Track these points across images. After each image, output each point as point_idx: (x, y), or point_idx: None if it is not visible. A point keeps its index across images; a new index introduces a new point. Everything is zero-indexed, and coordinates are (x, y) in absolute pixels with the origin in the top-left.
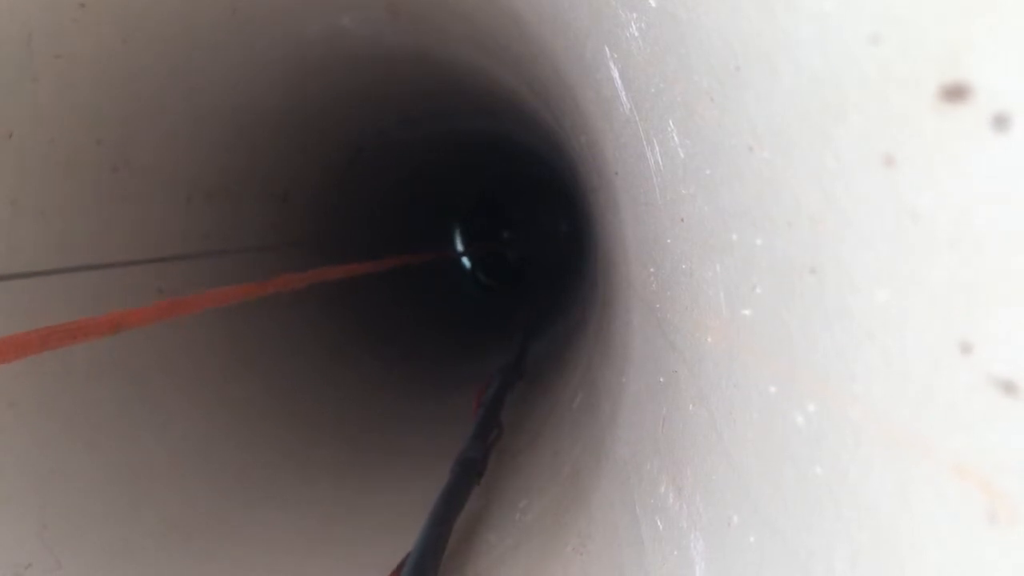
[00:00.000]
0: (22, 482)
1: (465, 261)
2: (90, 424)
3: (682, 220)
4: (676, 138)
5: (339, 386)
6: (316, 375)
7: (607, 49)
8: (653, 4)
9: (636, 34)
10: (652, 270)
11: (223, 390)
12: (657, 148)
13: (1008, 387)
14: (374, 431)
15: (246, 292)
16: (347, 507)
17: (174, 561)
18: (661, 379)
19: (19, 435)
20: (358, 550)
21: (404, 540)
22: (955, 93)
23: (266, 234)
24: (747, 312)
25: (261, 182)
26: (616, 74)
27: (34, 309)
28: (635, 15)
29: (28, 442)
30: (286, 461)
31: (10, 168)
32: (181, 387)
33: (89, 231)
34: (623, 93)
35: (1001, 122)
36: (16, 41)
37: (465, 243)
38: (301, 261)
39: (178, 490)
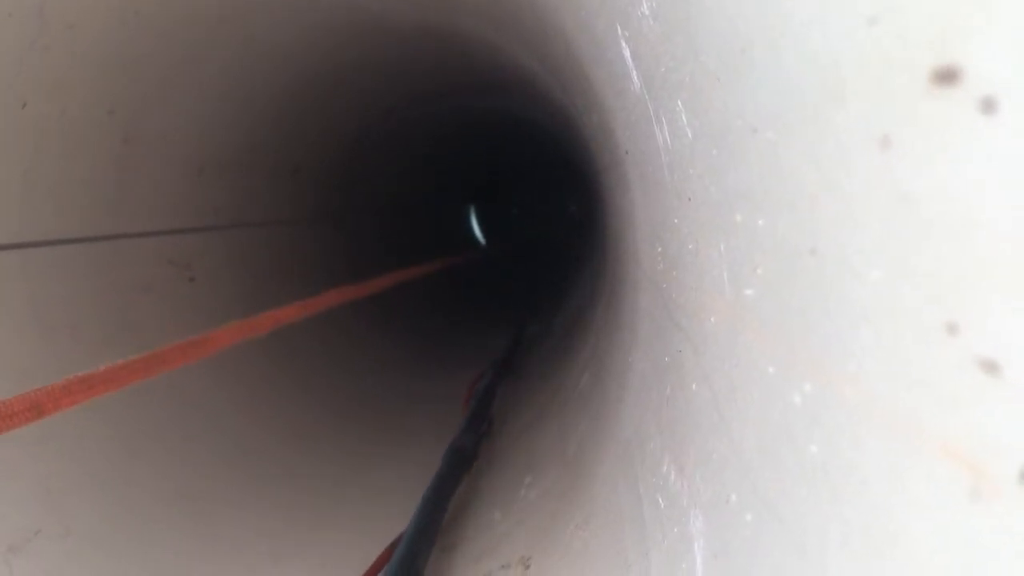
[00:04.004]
0: (31, 448)
1: (480, 240)
2: None
3: (689, 200)
4: (684, 118)
5: (346, 362)
6: (324, 352)
7: (619, 27)
8: None
9: (647, 12)
10: (660, 249)
11: (232, 361)
12: (666, 127)
13: (991, 367)
14: (379, 408)
15: (294, 313)
16: (350, 483)
17: (182, 529)
18: (666, 359)
19: None
20: (360, 525)
21: (402, 518)
22: (946, 76)
23: (277, 208)
24: (749, 292)
25: (272, 156)
26: (627, 53)
27: (47, 277)
28: None
29: None
30: (292, 435)
31: (24, 138)
32: None
33: (101, 201)
34: (634, 72)
35: (988, 105)
36: (28, 10)
37: (481, 228)
38: (312, 235)
39: (186, 459)
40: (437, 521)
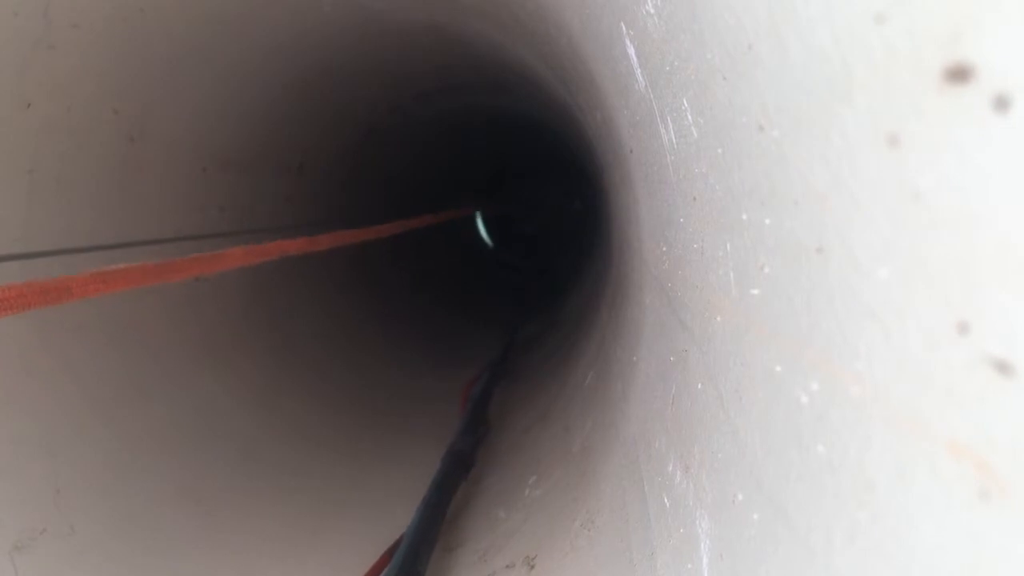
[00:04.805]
0: (38, 447)
1: (486, 239)
2: (104, 391)
3: (694, 199)
4: (690, 116)
5: (350, 363)
6: (327, 351)
7: (623, 26)
8: None
9: (652, 11)
10: (665, 249)
11: (233, 361)
12: (671, 126)
13: (1003, 367)
14: (382, 410)
15: (301, 246)
16: (352, 485)
17: (185, 529)
18: (671, 358)
19: (36, 401)
20: (363, 526)
21: (405, 520)
22: (958, 74)
23: (281, 208)
24: (755, 291)
25: (277, 154)
26: (632, 51)
27: (49, 277)
28: None
29: (44, 408)
30: (294, 435)
31: (28, 137)
32: (191, 357)
33: (106, 200)
34: (638, 70)
35: (1002, 104)
36: (34, 10)
37: (483, 218)
38: (318, 233)
39: (189, 459)
40: (437, 524)
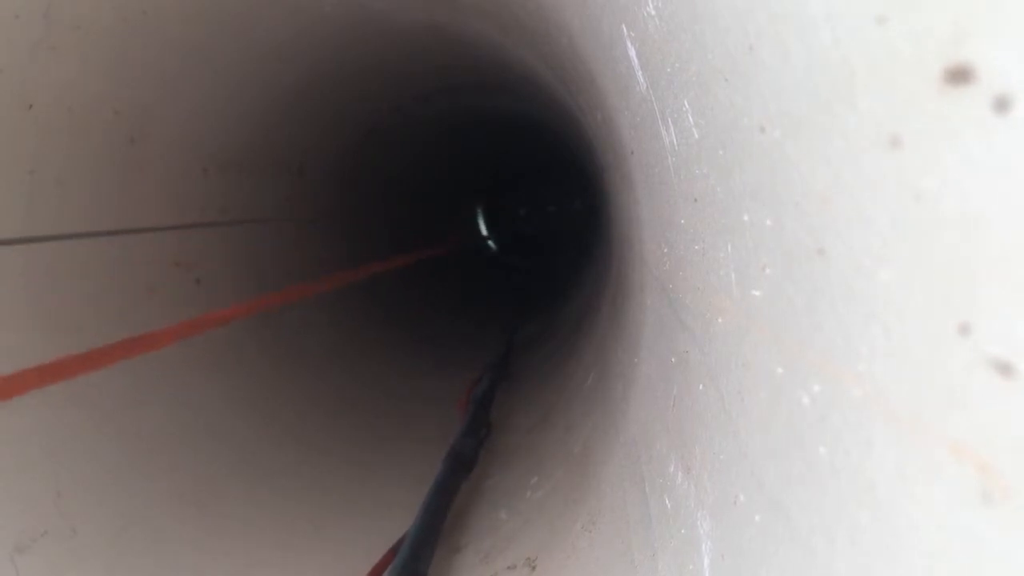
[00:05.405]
0: (39, 450)
1: (491, 244)
2: (104, 394)
3: (695, 200)
4: (691, 118)
5: (349, 364)
6: (327, 353)
7: (624, 27)
8: None
9: (653, 12)
10: (666, 250)
11: (232, 363)
12: (672, 127)
13: (1005, 368)
14: (380, 411)
15: (234, 313)
16: (353, 487)
17: (186, 531)
18: (672, 359)
19: (36, 403)
20: (363, 529)
21: (406, 521)
22: (959, 75)
23: (282, 207)
24: (757, 292)
25: (278, 155)
26: (633, 52)
27: (52, 278)
28: None
29: (45, 410)
30: (294, 438)
31: (30, 138)
32: (190, 360)
33: (107, 200)
34: (639, 72)
35: (1002, 105)
36: (35, 12)
37: (487, 224)
38: (319, 236)
39: (188, 462)
40: (438, 525)
